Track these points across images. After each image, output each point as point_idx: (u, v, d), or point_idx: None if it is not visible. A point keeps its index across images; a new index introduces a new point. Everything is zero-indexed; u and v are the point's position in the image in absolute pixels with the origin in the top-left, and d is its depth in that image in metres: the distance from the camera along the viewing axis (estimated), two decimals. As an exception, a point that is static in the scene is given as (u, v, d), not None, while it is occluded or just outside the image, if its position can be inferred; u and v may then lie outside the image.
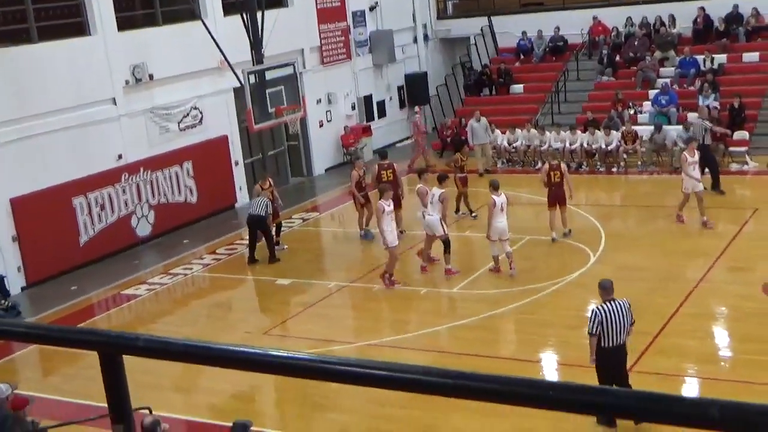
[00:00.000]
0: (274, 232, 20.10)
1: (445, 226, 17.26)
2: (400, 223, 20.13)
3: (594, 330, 10.73)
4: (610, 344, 10.69)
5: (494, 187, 17.07)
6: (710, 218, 18.68)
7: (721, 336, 14.29)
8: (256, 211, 19.22)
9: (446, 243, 17.29)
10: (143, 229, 22.08)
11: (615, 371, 10.78)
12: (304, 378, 2.10)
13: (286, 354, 2.12)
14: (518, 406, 1.90)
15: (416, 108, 29.60)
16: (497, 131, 26.43)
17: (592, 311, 10.90)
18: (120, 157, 21.57)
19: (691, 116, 23.17)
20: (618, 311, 10.71)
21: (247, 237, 19.77)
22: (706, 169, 20.37)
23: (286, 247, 20.33)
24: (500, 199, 16.94)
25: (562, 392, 1.86)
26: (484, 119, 25.97)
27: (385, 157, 20.99)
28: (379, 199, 17.37)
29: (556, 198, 18.73)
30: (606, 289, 11.03)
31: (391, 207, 17.10)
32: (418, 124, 27.78)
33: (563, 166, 19.37)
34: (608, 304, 10.80)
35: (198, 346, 2.22)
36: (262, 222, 19.19)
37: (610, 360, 10.77)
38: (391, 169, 20.14)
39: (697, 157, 18.77)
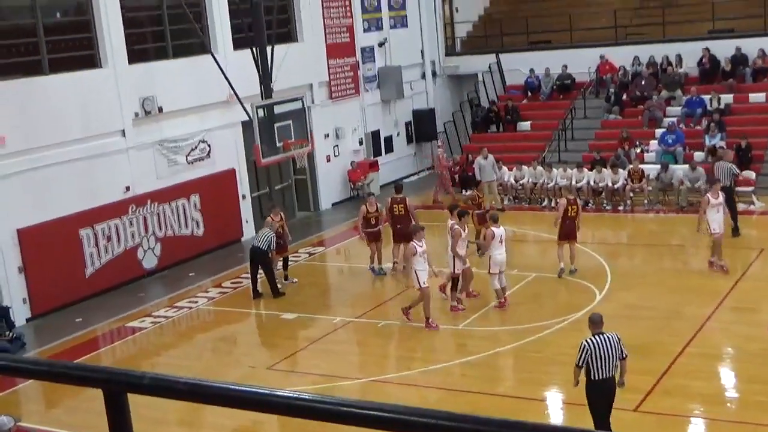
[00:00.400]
0: (281, 266, 20.13)
1: (458, 262, 17.16)
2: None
3: (580, 362, 11.06)
4: (599, 377, 10.99)
5: (494, 220, 17.58)
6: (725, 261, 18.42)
7: (727, 377, 14.22)
8: (258, 244, 19.25)
9: (455, 280, 17.29)
10: (149, 262, 22.11)
11: (605, 402, 11.11)
12: (306, 418, 2.11)
13: (289, 394, 2.13)
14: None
15: (439, 142, 29.56)
16: (504, 168, 26.48)
17: (581, 344, 11.14)
18: (128, 189, 21.65)
19: (719, 163, 22.07)
20: (606, 344, 10.98)
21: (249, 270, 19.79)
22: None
23: (295, 280, 20.34)
24: (499, 231, 17.22)
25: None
26: (491, 156, 26.04)
27: (399, 190, 20.95)
28: (413, 238, 16.95)
29: (567, 232, 18.79)
30: (595, 323, 11.31)
31: (424, 247, 16.61)
32: (441, 158, 27.81)
33: (579, 202, 19.50)
34: (597, 337, 11.08)
35: (203, 386, 2.23)
36: (263, 256, 19.21)
37: (601, 392, 11.07)
38: (403, 204, 20.14)
39: (721, 198, 18.36)
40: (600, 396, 11.10)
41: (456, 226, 17.16)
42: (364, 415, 2.02)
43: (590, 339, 11.08)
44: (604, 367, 10.96)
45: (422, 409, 1.99)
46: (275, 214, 20.13)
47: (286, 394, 2.14)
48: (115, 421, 2.36)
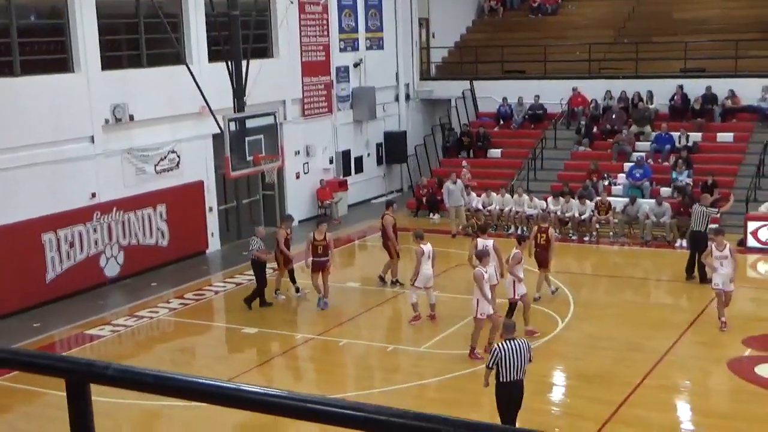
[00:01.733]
0: (289, 278, 20.22)
1: (519, 285, 16.76)
2: (395, 274, 20.57)
3: (491, 364, 12.03)
4: (507, 379, 11.85)
5: (420, 237, 18.07)
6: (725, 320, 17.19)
7: (684, 410, 14.30)
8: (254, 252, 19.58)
9: (512, 305, 16.94)
10: (111, 270, 21.89)
11: (511, 402, 12.01)
12: (275, 415, 2.08)
13: (258, 390, 2.10)
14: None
15: (464, 162, 29.11)
16: (473, 194, 26.57)
17: (493, 348, 12.14)
18: (93, 195, 21.46)
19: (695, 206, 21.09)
20: (516, 350, 11.83)
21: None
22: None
23: (307, 291, 20.15)
24: (427, 248, 17.80)
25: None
26: (460, 181, 26.15)
27: (389, 206, 21.18)
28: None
29: (539, 260, 18.89)
30: (508, 329, 12.32)
31: (488, 274, 15.87)
32: (469, 179, 27.66)
33: (551, 231, 19.55)
34: (508, 342, 11.91)
35: (171, 378, 2.20)
36: (253, 264, 19.46)
37: (508, 393, 11.96)
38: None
39: (727, 251, 17.01)
40: (507, 396, 11.98)
41: (516, 251, 17.00)
42: (334, 413, 1.99)
43: (501, 344, 11.95)
44: (511, 371, 11.81)
45: (391, 409, 1.97)
46: (287, 226, 20.35)
47: (254, 389, 2.11)
48: (76, 413, 2.31)
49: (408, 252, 20.59)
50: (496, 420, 13.16)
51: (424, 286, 17.71)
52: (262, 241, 19.73)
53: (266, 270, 19.71)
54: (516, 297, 16.80)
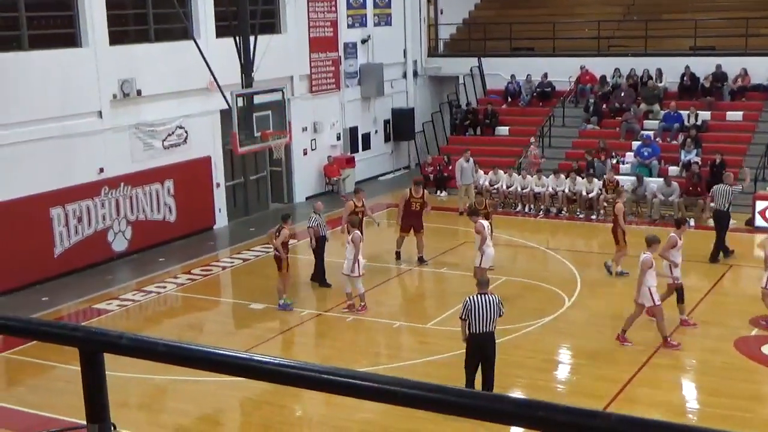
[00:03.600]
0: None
1: (673, 270, 16.07)
2: (421, 250, 20.48)
3: (463, 315, 12.82)
4: (476, 330, 12.70)
5: (354, 225, 18.00)
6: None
7: (689, 389, 14.33)
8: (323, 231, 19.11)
9: (679, 291, 16.23)
10: (119, 245, 21.94)
11: (481, 355, 12.88)
12: (287, 385, 2.09)
13: (270, 359, 2.10)
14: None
15: (532, 138, 28.41)
16: (480, 172, 26.51)
17: (464, 300, 12.89)
18: (101, 170, 21.48)
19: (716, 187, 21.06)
20: (485, 304, 12.63)
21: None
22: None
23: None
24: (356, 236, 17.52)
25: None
26: (472, 159, 26.03)
27: (419, 184, 21.08)
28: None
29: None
30: (481, 284, 13.20)
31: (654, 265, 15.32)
32: (536, 156, 27.40)
33: (618, 206, 19.40)
34: (479, 296, 12.75)
35: (183, 348, 2.21)
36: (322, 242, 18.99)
37: (477, 343, 12.80)
38: (421, 200, 20.38)
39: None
40: (475, 347, 12.83)
41: (672, 234, 16.39)
42: (347, 383, 2.00)
43: (472, 296, 12.79)
44: (480, 323, 12.63)
45: (401, 379, 1.97)
46: (358, 199, 20.14)
47: (266, 359, 2.12)
48: (90, 381, 2.32)
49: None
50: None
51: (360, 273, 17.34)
52: (320, 216, 19.21)
53: (325, 246, 19.20)
54: (676, 282, 16.10)
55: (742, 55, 28.51)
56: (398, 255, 20.89)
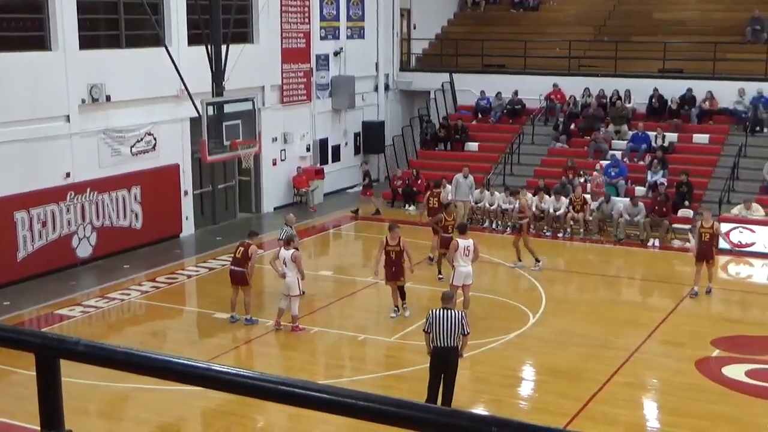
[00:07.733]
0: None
1: None
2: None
3: (426, 328, 12.93)
4: (439, 344, 12.80)
5: (288, 243, 17.25)
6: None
7: (650, 408, 14.42)
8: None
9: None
10: (84, 251, 21.75)
11: (442, 368, 12.95)
12: (246, 396, 2.08)
13: (228, 370, 2.10)
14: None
15: (597, 166, 26.63)
16: (448, 186, 26.40)
17: (427, 313, 13.04)
18: (68, 175, 21.30)
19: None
20: (447, 319, 12.71)
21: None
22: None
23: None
24: (290, 253, 17.03)
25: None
26: (471, 177, 25.81)
27: (438, 186, 22.13)
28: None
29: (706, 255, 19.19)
30: (445, 299, 13.20)
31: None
32: (599, 184, 26.04)
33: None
34: (441, 311, 12.83)
35: (141, 356, 2.19)
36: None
37: (438, 357, 12.90)
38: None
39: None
40: (437, 360, 12.92)
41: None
42: (305, 395, 2.00)
43: (434, 310, 12.90)
44: (441, 337, 12.74)
45: (365, 393, 1.97)
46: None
47: (224, 369, 2.11)
48: (45, 388, 2.30)
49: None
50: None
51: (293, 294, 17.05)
52: (291, 228, 18.66)
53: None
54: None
55: (710, 79, 28.87)
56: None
